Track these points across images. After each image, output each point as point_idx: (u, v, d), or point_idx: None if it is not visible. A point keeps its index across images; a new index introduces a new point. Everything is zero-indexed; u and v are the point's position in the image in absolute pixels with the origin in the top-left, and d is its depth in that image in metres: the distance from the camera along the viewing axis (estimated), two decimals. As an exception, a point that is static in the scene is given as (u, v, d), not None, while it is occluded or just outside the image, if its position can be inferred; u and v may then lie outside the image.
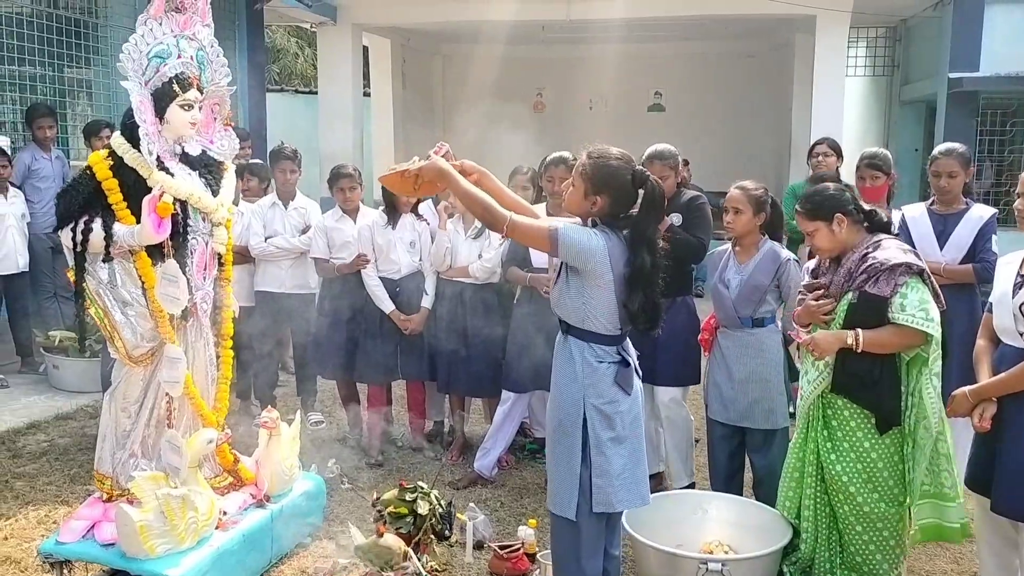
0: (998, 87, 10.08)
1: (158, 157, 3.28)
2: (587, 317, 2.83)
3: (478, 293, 4.87)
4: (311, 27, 11.92)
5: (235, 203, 3.89)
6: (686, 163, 6.95)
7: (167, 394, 3.42)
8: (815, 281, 3.38)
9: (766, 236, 3.91)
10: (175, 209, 3.27)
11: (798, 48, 11.79)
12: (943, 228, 4.35)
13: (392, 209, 4.96)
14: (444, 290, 4.94)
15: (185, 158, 3.46)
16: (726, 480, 4.02)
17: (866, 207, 3.31)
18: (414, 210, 5.01)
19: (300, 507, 3.83)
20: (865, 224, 3.28)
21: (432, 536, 3.58)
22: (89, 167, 3.29)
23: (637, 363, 3.00)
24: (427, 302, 4.97)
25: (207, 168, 3.54)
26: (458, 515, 3.80)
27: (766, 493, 3.87)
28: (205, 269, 3.52)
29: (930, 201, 4.49)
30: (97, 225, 3.21)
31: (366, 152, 12.14)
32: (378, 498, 3.67)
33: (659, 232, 2.97)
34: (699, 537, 3.60)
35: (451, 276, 4.90)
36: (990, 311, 3.09)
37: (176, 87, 3.32)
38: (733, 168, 9.80)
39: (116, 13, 8.07)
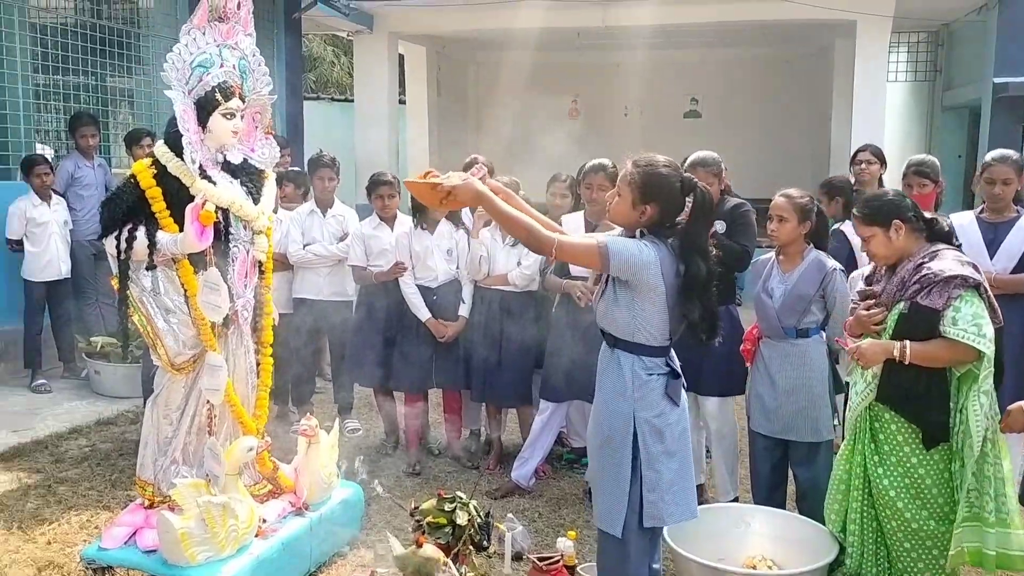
0: (1045, 92, 9.87)
1: (200, 165, 3.30)
2: (637, 330, 2.78)
3: (516, 301, 4.84)
4: (348, 35, 12.02)
5: (274, 211, 3.91)
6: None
7: (208, 401, 3.44)
8: (868, 288, 3.31)
9: (811, 245, 3.84)
10: (217, 217, 3.28)
11: (837, 53, 11.64)
12: (993, 236, 4.24)
13: (421, 214, 4.93)
14: (482, 298, 4.91)
15: (227, 166, 3.48)
16: (768, 493, 3.94)
17: (928, 215, 3.22)
18: (451, 217, 4.99)
19: (338, 515, 3.83)
20: (926, 233, 3.19)
21: (471, 547, 3.55)
22: (133, 176, 3.32)
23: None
24: (464, 311, 4.95)
25: (248, 176, 3.56)
26: (497, 524, 3.77)
27: (810, 507, 3.79)
28: (246, 277, 3.54)
29: (979, 209, 4.39)
30: (141, 233, 3.23)
31: (401, 159, 12.20)
32: (416, 507, 3.65)
33: (710, 239, 2.92)
34: (742, 551, 3.53)
35: (489, 284, 4.88)
36: None
37: (219, 96, 3.34)
38: (770, 175, 9.72)
39: (157, 23, 8.19)
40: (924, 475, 3.11)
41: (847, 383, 4.17)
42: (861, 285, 4.31)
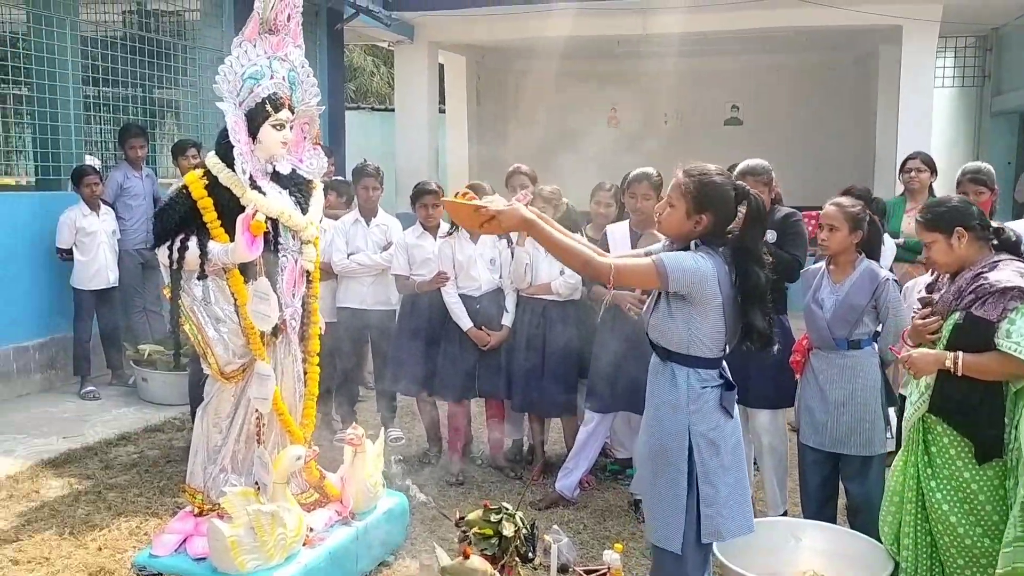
0: (1098, 97, 9.66)
1: (251, 176, 3.33)
2: (692, 342, 2.73)
3: (560, 310, 4.82)
4: (389, 46, 12.12)
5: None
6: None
7: (257, 410, 3.46)
8: (927, 296, 3.24)
9: (863, 255, 3.77)
10: (267, 227, 3.31)
11: (882, 59, 11.47)
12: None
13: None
14: (525, 307, 4.90)
15: (276, 177, 3.52)
16: (818, 507, 3.87)
17: (995, 224, 3.14)
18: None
19: (384, 525, 3.83)
20: (993, 242, 3.11)
21: (516, 558, 3.52)
22: (185, 187, 3.36)
23: None
24: (508, 320, 4.94)
25: (297, 186, 3.59)
26: (542, 536, 3.74)
27: (863, 522, 3.72)
28: (294, 286, 3.56)
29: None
30: (192, 243, 3.27)
31: (441, 168, 12.25)
32: (462, 518, 3.64)
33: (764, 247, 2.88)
34: (793, 566, 3.48)
35: (532, 293, 4.86)
36: None
37: (269, 107, 3.37)
38: (813, 183, 9.59)
39: (203, 36, 8.32)
40: (977, 491, 3.03)
41: (900, 396, 4.11)
42: (915, 295, 4.24)
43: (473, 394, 5.08)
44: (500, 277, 4.99)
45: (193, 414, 5.22)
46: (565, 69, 12.30)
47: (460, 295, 4.95)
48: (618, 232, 4.48)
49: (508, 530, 3.47)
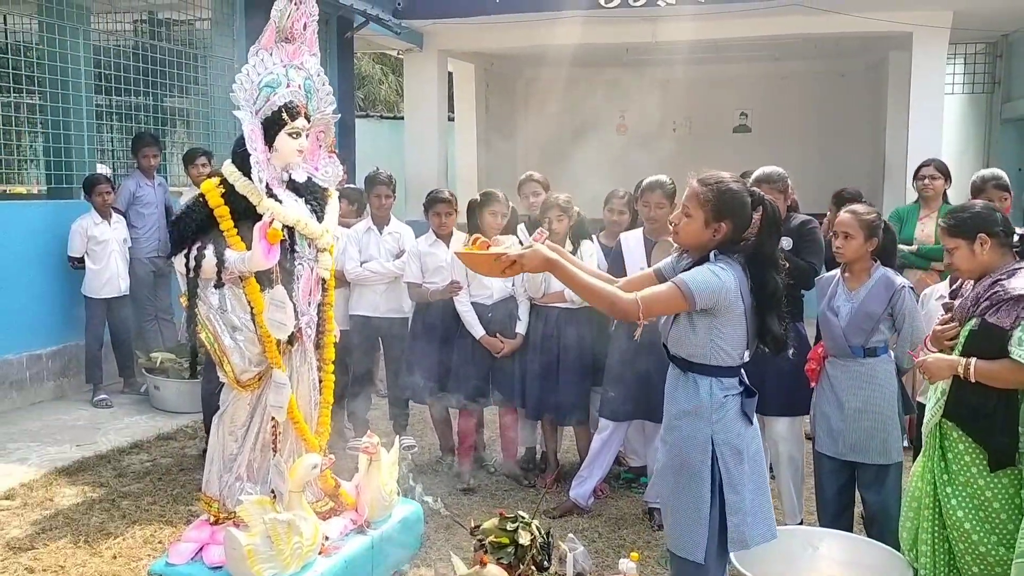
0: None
1: (267, 184, 3.33)
2: (715, 352, 2.72)
3: (573, 317, 4.81)
4: (398, 54, 12.14)
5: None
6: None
7: (273, 418, 3.46)
8: (949, 302, 3.25)
9: (878, 262, 3.76)
10: (283, 235, 3.31)
11: (892, 66, 11.45)
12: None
13: (477, 232, 4.92)
14: (538, 314, 4.89)
15: (292, 185, 3.52)
16: (835, 516, 3.85)
17: (1019, 231, 3.14)
18: (506, 235, 4.98)
19: (399, 533, 3.82)
20: (1017, 249, 3.10)
21: (533, 567, 3.51)
22: (202, 195, 3.36)
23: None
24: (521, 328, 4.94)
25: (312, 195, 3.59)
26: (560, 543, 3.73)
27: (880, 531, 3.70)
28: (310, 294, 3.56)
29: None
30: (209, 251, 3.27)
31: (450, 176, 12.26)
32: (477, 526, 3.63)
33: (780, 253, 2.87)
34: (810, 575, 3.44)
35: (546, 302, 4.85)
36: None
37: (285, 116, 3.37)
38: (823, 191, 9.54)
39: (214, 44, 8.35)
40: (991, 498, 3.02)
41: (919, 404, 4.09)
42: (932, 302, 4.22)
43: (486, 402, 5.07)
44: (512, 285, 4.99)
45: (206, 422, 5.25)
46: (574, 76, 12.31)
47: (472, 303, 4.95)
48: (632, 239, 4.48)
49: (524, 538, 3.47)
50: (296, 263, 3.45)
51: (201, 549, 3.38)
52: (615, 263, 4.51)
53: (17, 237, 6.40)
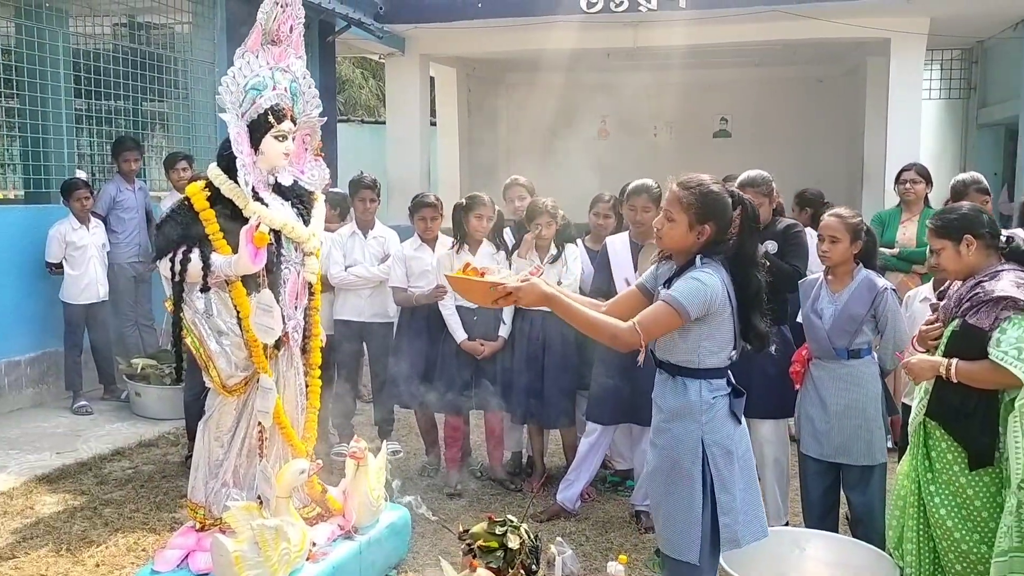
0: (1083, 109, 9.75)
1: (253, 187, 3.31)
2: (704, 356, 2.74)
3: (558, 320, 4.77)
4: (380, 58, 12.12)
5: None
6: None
7: (259, 424, 3.43)
8: (936, 303, 3.28)
9: (860, 264, 3.79)
10: (269, 239, 3.29)
11: (870, 71, 11.58)
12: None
13: (463, 236, 4.92)
14: (524, 318, 4.89)
15: (277, 188, 3.50)
16: (820, 517, 3.88)
17: (1007, 234, 3.16)
18: (492, 238, 4.98)
19: (387, 539, 3.80)
20: (1003, 252, 3.12)
21: (522, 571, 3.50)
22: (187, 198, 3.33)
23: None
24: (504, 331, 4.93)
25: (298, 198, 3.57)
26: (547, 548, 3.72)
27: (865, 532, 3.73)
28: (297, 298, 3.54)
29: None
30: (195, 255, 3.24)
31: (433, 180, 12.25)
32: (466, 531, 3.61)
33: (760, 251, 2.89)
34: (798, 577, 3.47)
35: (530, 305, 4.84)
36: None
37: (271, 118, 3.35)
38: (803, 195, 9.57)
39: (194, 48, 8.29)
40: (973, 496, 3.05)
41: (903, 404, 4.13)
42: (916, 304, 4.27)
43: (471, 406, 5.06)
44: (498, 289, 4.97)
45: (188, 428, 5.21)
46: (556, 81, 12.34)
47: (457, 307, 4.94)
48: (618, 243, 4.49)
49: (513, 543, 3.45)
50: (283, 267, 3.43)
51: (187, 556, 3.35)
52: (601, 267, 4.52)
53: (-6, 242, 6.33)
